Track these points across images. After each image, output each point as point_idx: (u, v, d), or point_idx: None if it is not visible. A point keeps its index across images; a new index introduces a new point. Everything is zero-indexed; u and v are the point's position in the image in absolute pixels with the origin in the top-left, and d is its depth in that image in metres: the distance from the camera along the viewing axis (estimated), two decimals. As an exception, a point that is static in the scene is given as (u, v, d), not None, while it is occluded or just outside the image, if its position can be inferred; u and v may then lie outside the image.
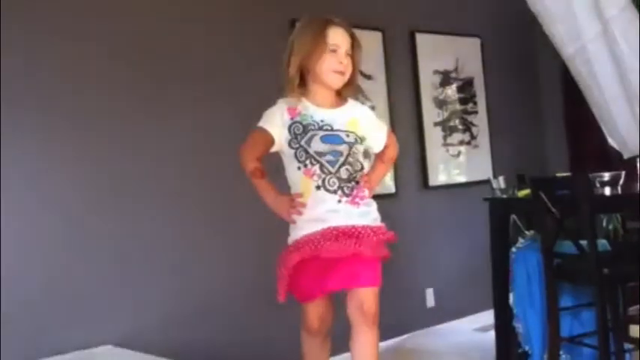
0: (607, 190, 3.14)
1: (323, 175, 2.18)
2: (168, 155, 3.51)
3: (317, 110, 2.23)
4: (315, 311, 2.30)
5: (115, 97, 3.36)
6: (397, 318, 4.45)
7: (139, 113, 3.43)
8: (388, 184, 4.56)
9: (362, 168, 2.29)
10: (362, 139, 2.28)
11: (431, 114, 4.90)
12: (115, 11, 3.39)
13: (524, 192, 3.50)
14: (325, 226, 2.17)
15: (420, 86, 4.84)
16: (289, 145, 2.21)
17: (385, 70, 4.61)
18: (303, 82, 2.26)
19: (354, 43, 2.27)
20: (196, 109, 3.62)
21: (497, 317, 3.65)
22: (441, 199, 4.89)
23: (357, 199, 2.23)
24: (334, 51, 2.20)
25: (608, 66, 3.48)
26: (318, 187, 2.18)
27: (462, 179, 5.07)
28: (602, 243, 3.15)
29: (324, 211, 2.19)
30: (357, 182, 2.25)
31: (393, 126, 4.60)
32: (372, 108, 4.46)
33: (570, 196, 3.08)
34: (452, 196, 4.94)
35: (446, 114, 5.02)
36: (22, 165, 3.07)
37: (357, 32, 4.29)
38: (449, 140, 5.01)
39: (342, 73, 2.22)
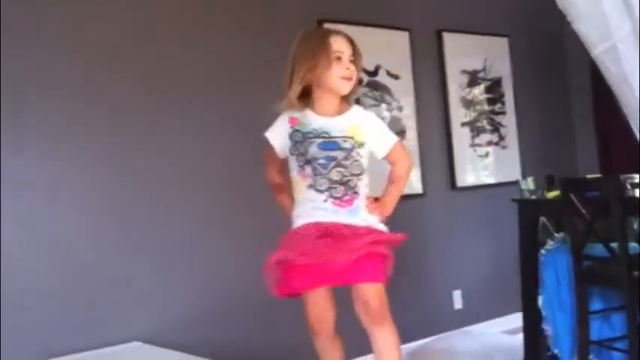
0: (638, 192, 3.09)
1: (315, 177, 2.27)
2: (198, 157, 3.53)
3: (316, 118, 2.30)
4: (314, 310, 2.34)
5: (138, 96, 3.40)
6: (424, 319, 4.43)
7: (165, 113, 3.46)
8: (416, 185, 4.54)
9: (361, 172, 2.33)
10: (361, 144, 2.32)
11: (458, 114, 4.87)
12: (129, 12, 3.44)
13: (553, 193, 3.46)
14: (310, 220, 2.27)
15: (447, 86, 4.82)
16: (290, 152, 2.33)
17: (412, 70, 4.59)
18: (306, 93, 2.32)
19: (355, 50, 2.31)
20: (223, 110, 3.64)
21: (526, 320, 3.61)
22: (469, 200, 4.85)
23: (344, 204, 2.28)
24: (339, 58, 2.25)
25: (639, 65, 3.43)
26: (309, 187, 2.29)
27: (490, 180, 5.02)
28: (633, 246, 3.10)
29: (310, 207, 2.29)
30: (352, 188, 2.30)
31: (420, 126, 4.59)
32: (399, 108, 4.48)
33: (601, 197, 3.04)
34: (480, 197, 4.90)
35: (474, 114, 4.98)
36: (50, 158, 3.12)
37: (385, 32, 4.41)
38: (477, 141, 4.97)
39: (349, 79, 2.28)
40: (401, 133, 4.49)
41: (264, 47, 3.79)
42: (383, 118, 4.39)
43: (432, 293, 4.54)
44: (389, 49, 4.50)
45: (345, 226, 2.25)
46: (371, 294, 2.22)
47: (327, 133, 2.27)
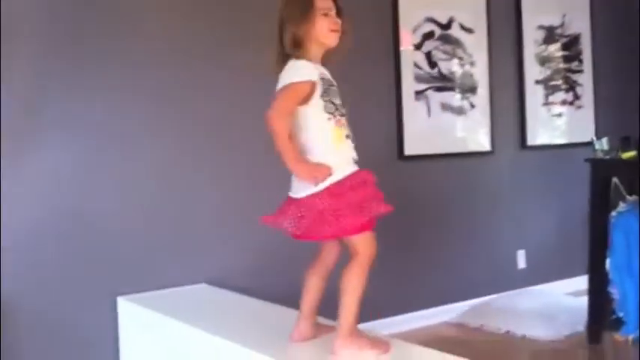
0: None
1: (347, 126, 2.30)
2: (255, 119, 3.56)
3: (321, 68, 2.32)
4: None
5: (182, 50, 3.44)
6: (487, 277, 4.41)
7: (215, 70, 3.50)
8: (484, 142, 4.47)
9: None
10: None
11: (532, 71, 4.74)
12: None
13: (628, 154, 3.36)
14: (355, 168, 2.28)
15: (522, 42, 4.68)
16: (322, 97, 2.27)
17: (487, 24, 4.47)
18: (297, 46, 2.31)
19: (338, 8, 2.36)
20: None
21: (592, 281, 3.55)
22: (539, 159, 4.75)
23: None
24: (326, 14, 2.31)
25: None
26: (347, 136, 2.29)
27: (562, 140, 4.90)
28: None
29: (351, 157, 2.29)
30: None
31: (492, 83, 4.49)
32: (472, 63, 4.41)
33: (679, 159, 2.93)
34: (551, 158, 4.79)
35: (549, 72, 4.84)
36: (119, 112, 3.21)
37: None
38: (551, 99, 4.84)
39: (337, 31, 2.33)
40: (472, 88, 4.41)
41: None
42: (453, 72, 4.33)
43: (496, 251, 4.51)
44: (463, 1, 4.39)
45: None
46: None
47: (333, 82, 2.32)
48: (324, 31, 2.31)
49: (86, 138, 3.10)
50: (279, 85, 2.26)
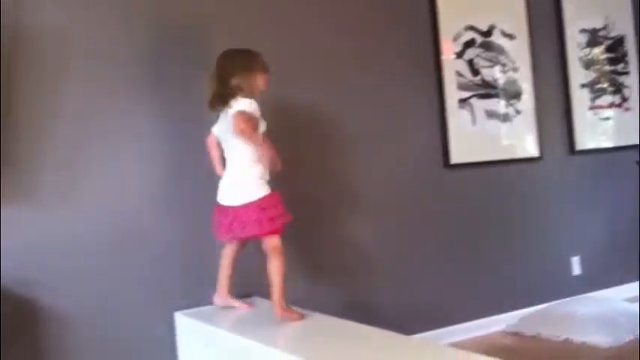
0: None
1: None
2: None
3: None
4: None
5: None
6: (542, 285, 4.34)
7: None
8: (531, 149, 4.42)
9: None
10: None
11: (577, 75, 4.68)
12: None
13: (682, 152, 3.28)
14: None
15: (565, 46, 4.63)
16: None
17: (528, 30, 4.44)
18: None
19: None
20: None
21: (651, 285, 3.46)
22: (588, 164, 4.67)
23: None
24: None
25: None
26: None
27: (611, 144, 4.81)
28: None
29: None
30: None
31: (537, 88, 4.44)
32: (515, 69, 4.37)
33: None
34: (600, 161, 4.71)
35: (594, 75, 4.77)
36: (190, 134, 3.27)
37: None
38: (597, 102, 4.76)
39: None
40: (517, 95, 4.37)
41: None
42: (496, 79, 4.30)
43: (550, 259, 4.43)
44: (504, 7, 4.38)
45: None
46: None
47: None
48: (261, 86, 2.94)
49: (145, 147, 3.16)
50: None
